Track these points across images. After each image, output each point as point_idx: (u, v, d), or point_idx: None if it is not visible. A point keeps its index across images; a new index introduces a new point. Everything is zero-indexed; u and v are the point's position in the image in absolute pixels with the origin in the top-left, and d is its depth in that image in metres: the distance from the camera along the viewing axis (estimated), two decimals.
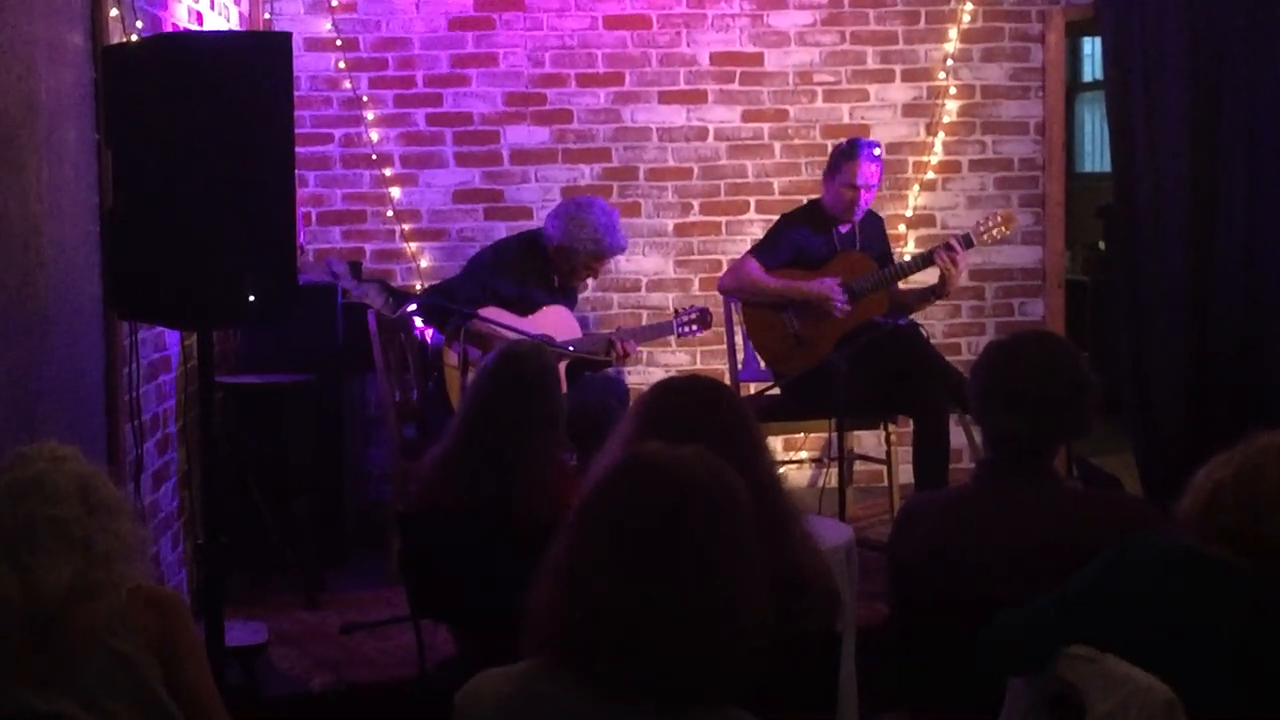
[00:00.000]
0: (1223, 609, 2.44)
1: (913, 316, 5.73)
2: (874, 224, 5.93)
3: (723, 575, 1.98)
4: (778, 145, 6.75)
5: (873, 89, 6.79)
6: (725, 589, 1.98)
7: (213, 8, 5.69)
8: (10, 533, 2.51)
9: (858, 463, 6.36)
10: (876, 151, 5.67)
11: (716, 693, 1.98)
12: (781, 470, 6.30)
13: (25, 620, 2.49)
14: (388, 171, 6.62)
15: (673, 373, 6.41)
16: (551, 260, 5.67)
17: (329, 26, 6.55)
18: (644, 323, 6.47)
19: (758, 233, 6.38)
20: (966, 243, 5.66)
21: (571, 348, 5.52)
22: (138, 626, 2.59)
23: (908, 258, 6.02)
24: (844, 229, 5.76)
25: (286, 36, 4.13)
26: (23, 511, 2.51)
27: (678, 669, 1.95)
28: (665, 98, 6.70)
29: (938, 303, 5.97)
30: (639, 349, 5.93)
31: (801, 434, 6.52)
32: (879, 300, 5.68)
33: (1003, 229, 5.75)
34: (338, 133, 6.61)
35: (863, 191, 5.62)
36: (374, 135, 6.60)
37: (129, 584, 2.60)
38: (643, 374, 6.44)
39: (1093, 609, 2.51)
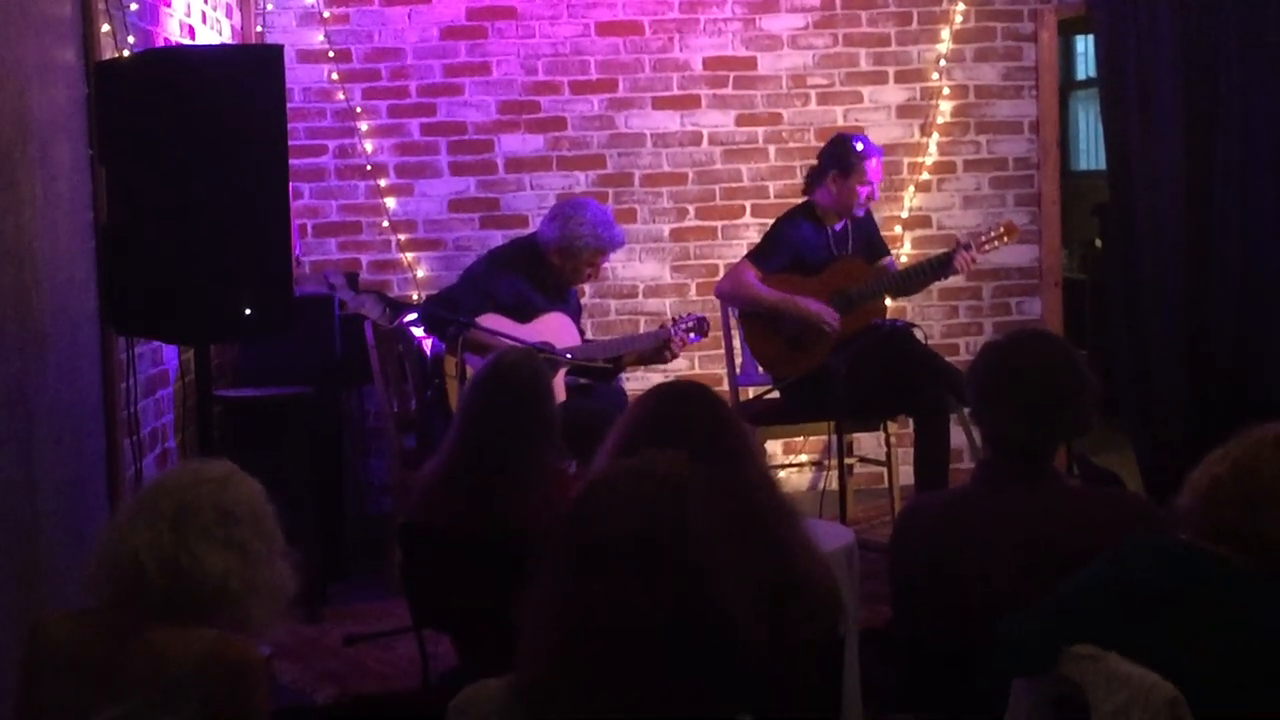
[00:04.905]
0: (1222, 606, 2.43)
1: (910, 317, 5.71)
2: (865, 217, 5.93)
3: (704, 584, 1.96)
4: (772, 149, 6.75)
5: (866, 91, 6.79)
6: (706, 598, 1.95)
7: (204, 22, 5.69)
8: (180, 510, 2.46)
9: (858, 465, 6.35)
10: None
11: (719, 705, 1.95)
12: (781, 474, 6.36)
13: (162, 590, 2.40)
14: (383, 182, 6.63)
15: (670, 379, 6.40)
16: (550, 263, 5.66)
17: (321, 38, 6.55)
18: (641, 329, 6.47)
19: (754, 236, 6.37)
20: (967, 249, 5.66)
21: (570, 355, 5.52)
22: (206, 686, 2.35)
23: (903, 259, 6.00)
24: (839, 226, 5.76)
25: (279, 49, 4.14)
26: (199, 494, 2.48)
27: (671, 685, 1.92)
28: (659, 103, 6.70)
29: (936, 301, 5.93)
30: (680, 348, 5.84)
31: (801, 437, 6.51)
32: (876, 305, 5.69)
33: (1005, 239, 5.75)
34: (332, 144, 6.61)
35: (876, 187, 5.70)
36: (368, 146, 6.60)
37: (230, 629, 2.42)
38: (641, 380, 6.43)
39: (1094, 609, 2.51)
